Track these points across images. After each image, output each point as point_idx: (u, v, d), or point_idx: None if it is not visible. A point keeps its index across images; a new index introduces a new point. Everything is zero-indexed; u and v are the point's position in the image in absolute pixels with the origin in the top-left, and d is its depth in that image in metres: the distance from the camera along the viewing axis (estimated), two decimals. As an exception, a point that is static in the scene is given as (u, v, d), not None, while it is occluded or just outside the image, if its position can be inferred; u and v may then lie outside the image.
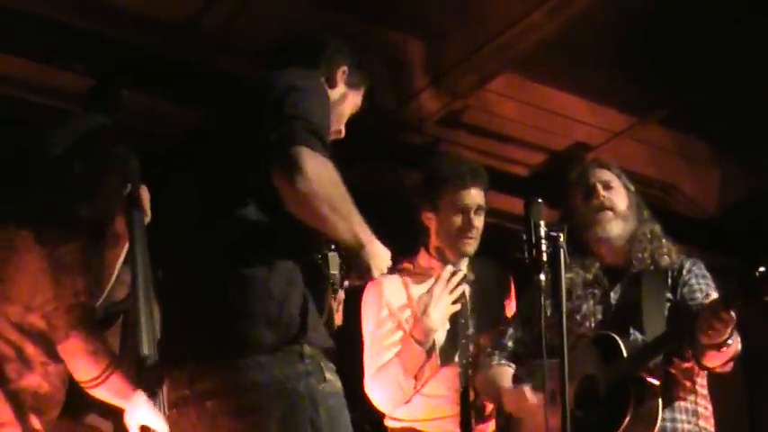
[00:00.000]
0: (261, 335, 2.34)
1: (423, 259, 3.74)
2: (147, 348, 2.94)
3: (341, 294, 2.55)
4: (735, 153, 5.87)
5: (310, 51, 2.78)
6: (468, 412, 3.57)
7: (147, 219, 3.19)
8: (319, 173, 2.31)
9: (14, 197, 2.95)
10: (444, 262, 3.67)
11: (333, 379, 2.42)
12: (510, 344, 3.50)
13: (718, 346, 3.00)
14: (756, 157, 5.74)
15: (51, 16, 4.25)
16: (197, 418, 2.41)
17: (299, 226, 2.39)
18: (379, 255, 2.50)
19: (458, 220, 3.65)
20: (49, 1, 4.21)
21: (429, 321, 3.48)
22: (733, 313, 2.91)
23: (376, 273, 2.50)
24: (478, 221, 3.67)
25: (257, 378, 2.32)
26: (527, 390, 3.32)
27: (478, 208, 3.66)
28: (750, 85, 4.98)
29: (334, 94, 2.78)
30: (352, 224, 2.41)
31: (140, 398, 2.87)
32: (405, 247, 3.75)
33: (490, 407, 3.63)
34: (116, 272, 3.27)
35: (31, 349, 2.87)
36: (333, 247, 2.48)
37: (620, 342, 3.18)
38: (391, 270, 3.41)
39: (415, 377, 3.49)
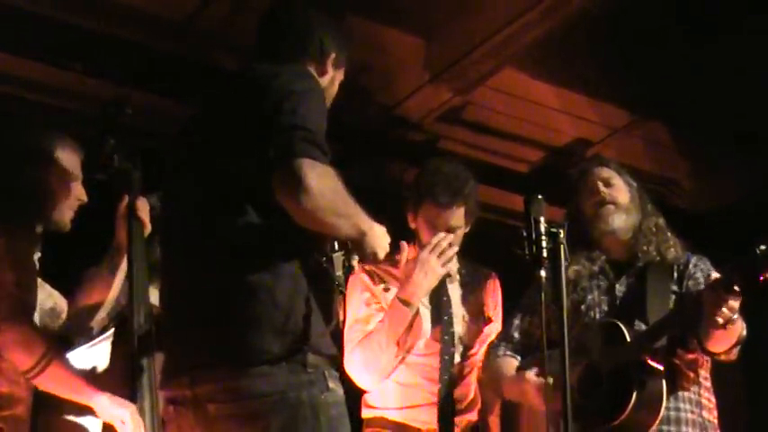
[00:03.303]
0: (267, 345, 2.34)
1: (411, 252, 3.72)
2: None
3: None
4: (734, 149, 5.87)
5: (299, 40, 2.74)
6: (451, 403, 3.60)
7: (148, 230, 3.25)
8: (321, 186, 2.29)
9: None
10: None
11: (335, 388, 2.42)
12: (516, 335, 3.54)
13: (724, 324, 3.01)
14: (755, 153, 5.75)
15: (50, 14, 4.24)
16: (195, 418, 2.41)
17: (302, 229, 2.38)
18: (380, 236, 2.50)
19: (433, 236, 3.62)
20: (48, -1, 4.22)
21: (414, 283, 3.46)
22: (737, 288, 2.91)
23: (381, 254, 2.51)
24: (454, 236, 3.61)
25: (260, 386, 2.32)
26: (529, 374, 3.32)
27: (453, 228, 3.62)
28: (749, 81, 4.98)
29: (325, 80, 2.75)
30: (353, 219, 2.42)
31: (106, 398, 2.89)
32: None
33: (467, 400, 3.66)
34: (119, 282, 3.31)
35: None
36: (335, 246, 2.49)
37: (624, 328, 3.21)
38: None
39: (398, 343, 3.48)
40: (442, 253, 3.48)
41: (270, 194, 2.34)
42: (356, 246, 2.48)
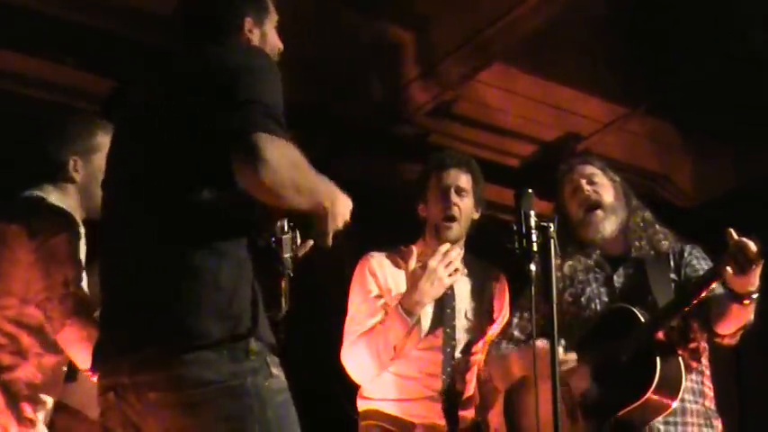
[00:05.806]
0: (208, 328, 2.26)
1: (419, 246, 3.75)
2: None
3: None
4: (725, 143, 5.89)
5: (219, 20, 2.62)
6: (455, 399, 3.59)
7: None
8: (280, 160, 2.24)
9: (6, 192, 2.98)
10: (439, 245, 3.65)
11: (279, 374, 2.34)
12: (516, 332, 3.55)
13: (741, 297, 3.05)
14: (746, 147, 5.76)
15: (41, 9, 4.23)
16: (139, 405, 2.32)
17: (249, 209, 2.33)
18: (343, 207, 2.44)
19: (440, 201, 3.67)
20: (39, -6, 4.21)
21: (420, 292, 3.46)
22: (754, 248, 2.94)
23: (331, 234, 2.43)
24: (460, 202, 3.66)
25: (202, 375, 2.25)
26: (540, 342, 3.13)
27: (459, 189, 3.67)
28: (739, 76, 4.99)
29: (255, 41, 2.65)
30: (314, 194, 2.36)
31: None
32: (399, 238, 3.78)
33: (465, 396, 3.65)
34: None
35: (26, 340, 2.92)
36: (285, 227, 2.43)
37: (636, 311, 3.23)
38: (386, 250, 3.65)
39: (395, 348, 3.48)
40: (449, 264, 3.49)
41: (218, 172, 2.29)
42: (317, 222, 2.41)
